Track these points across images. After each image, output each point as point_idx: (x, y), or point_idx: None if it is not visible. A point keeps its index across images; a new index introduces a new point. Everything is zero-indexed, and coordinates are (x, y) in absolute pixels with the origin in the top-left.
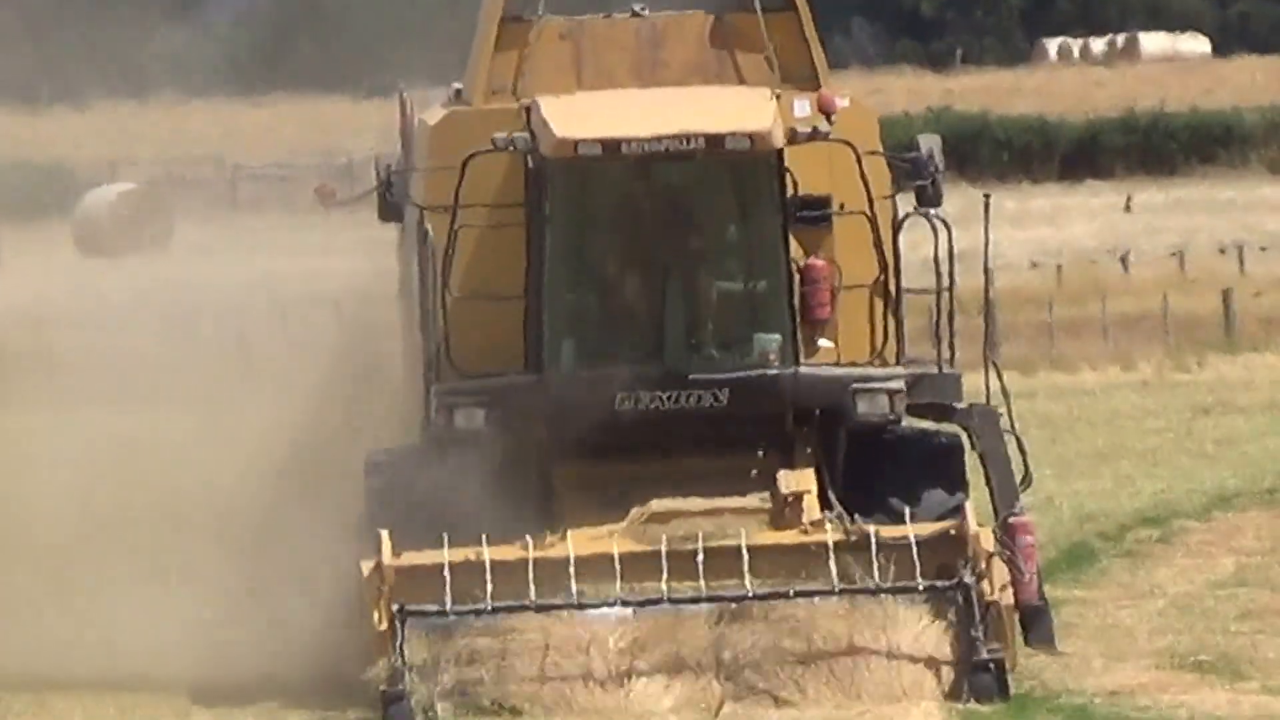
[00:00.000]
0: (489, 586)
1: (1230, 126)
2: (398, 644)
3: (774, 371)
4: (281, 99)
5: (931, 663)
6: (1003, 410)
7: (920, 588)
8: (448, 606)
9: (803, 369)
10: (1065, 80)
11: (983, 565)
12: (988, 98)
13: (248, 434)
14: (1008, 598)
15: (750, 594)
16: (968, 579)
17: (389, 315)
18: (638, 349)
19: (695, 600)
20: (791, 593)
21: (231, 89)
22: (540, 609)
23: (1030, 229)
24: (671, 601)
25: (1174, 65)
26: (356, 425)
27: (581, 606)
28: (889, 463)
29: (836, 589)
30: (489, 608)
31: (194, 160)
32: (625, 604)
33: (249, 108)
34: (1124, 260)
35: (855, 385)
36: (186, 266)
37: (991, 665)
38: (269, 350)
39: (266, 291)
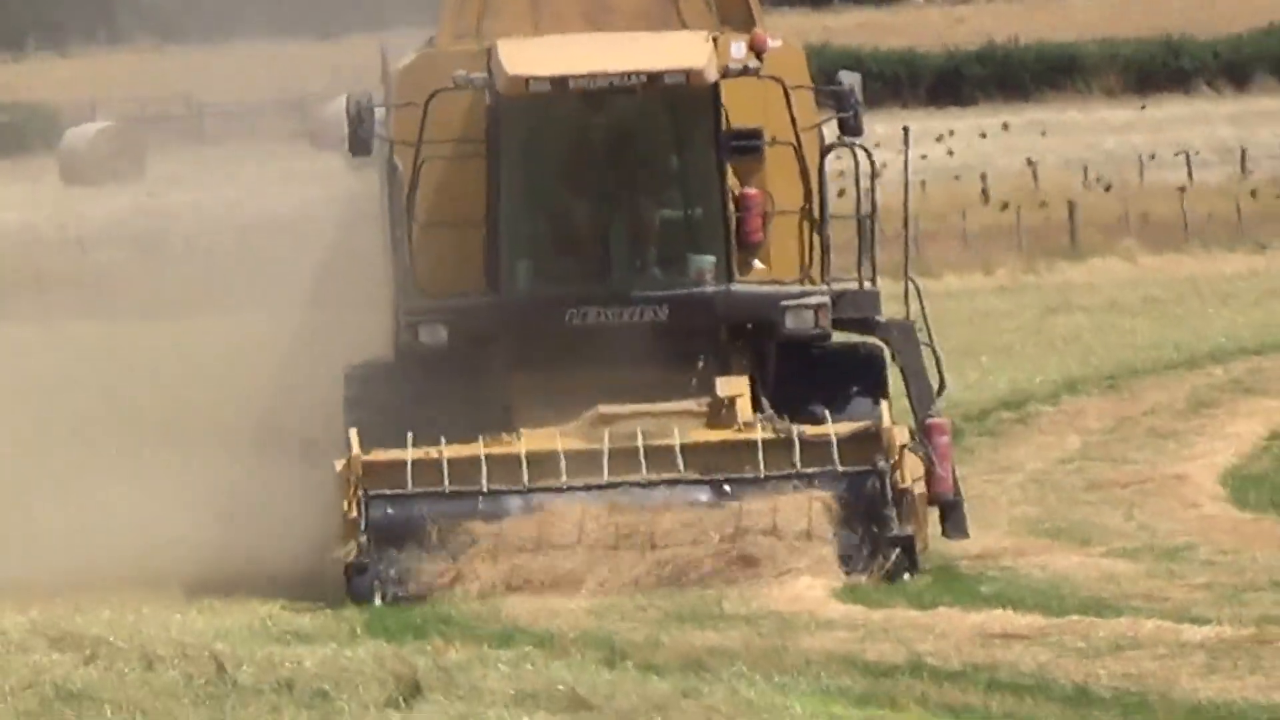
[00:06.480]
0: (446, 478)
1: (1075, 57)
2: (362, 523)
3: (710, 289)
4: (245, 43)
5: (839, 543)
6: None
7: (839, 471)
8: (408, 489)
9: (735, 287)
10: (930, 18)
11: (896, 457)
12: (862, 34)
13: (220, 342)
14: (920, 487)
15: (682, 478)
16: (882, 465)
17: (341, 236)
18: (586, 269)
19: (633, 485)
20: (721, 478)
21: (199, 34)
22: (492, 494)
23: (898, 151)
24: (611, 488)
25: (1026, 3)
26: (318, 332)
27: (530, 491)
28: (816, 372)
29: (762, 475)
30: (445, 491)
31: (165, 99)
32: (572, 490)
33: (215, 51)
34: (983, 177)
35: (784, 302)
36: (159, 194)
37: (902, 543)
38: (235, 267)
39: (232, 215)
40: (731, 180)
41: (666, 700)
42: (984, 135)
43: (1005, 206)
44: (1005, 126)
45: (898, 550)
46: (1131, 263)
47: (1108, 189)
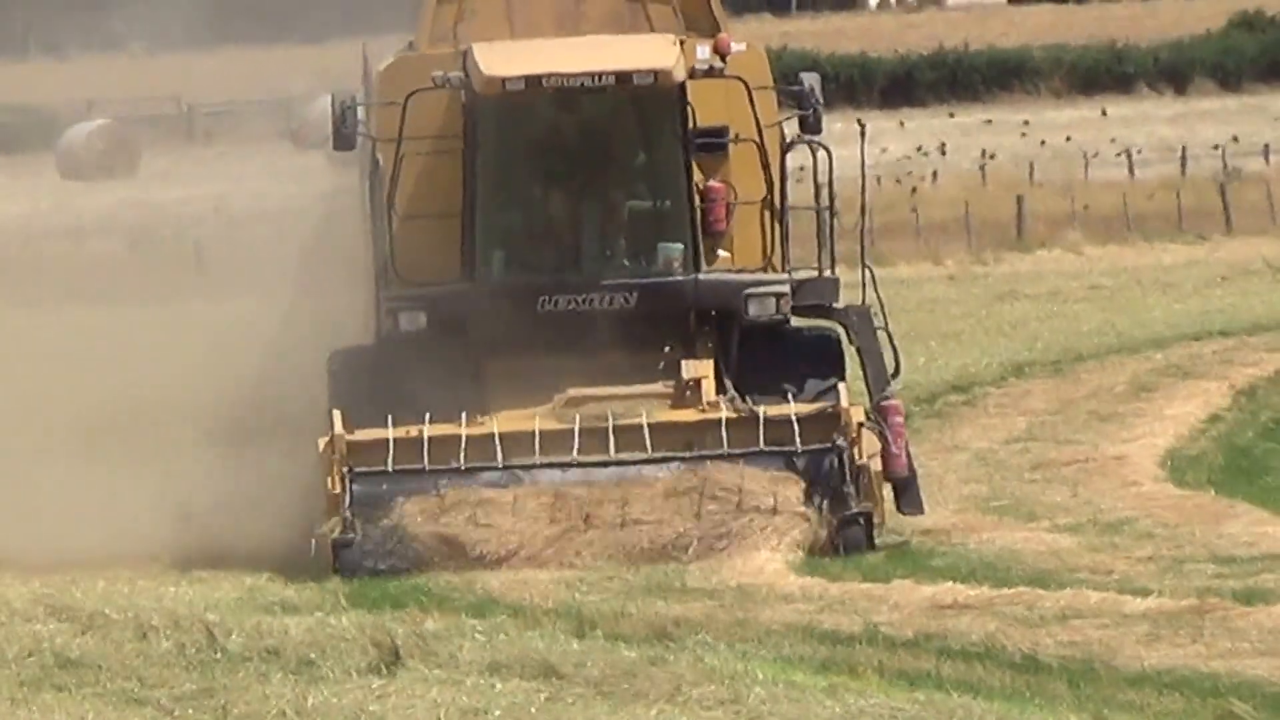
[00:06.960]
0: (425, 457)
1: (1023, 62)
2: (346, 499)
3: (677, 277)
4: (230, 49)
5: (801, 519)
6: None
7: (799, 450)
8: (389, 467)
9: (702, 275)
10: (884, 24)
11: (854, 435)
12: (819, 39)
13: (208, 327)
14: (877, 465)
15: (650, 455)
16: (841, 443)
17: (324, 228)
18: (558, 259)
19: (605, 464)
20: (688, 452)
21: (188, 41)
22: (469, 471)
23: (853, 148)
24: (583, 466)
25: (974, 12)
26: (303, 319)
27: (507, 468)
28: (777, 355)
29: (726, 452)
30: (425, 468)
31: (157, 100)
32: (546, 467)
33: (203, 56)
34: (934, 174)
35: (747, 289)
36: (151, 189)
37: (860, 519)
38: (221, 257)
39: (219, 208)
40: (697, 174)
41: (634, 668)
42: (934, 134)
43: (955, 200)
44: (951, 115)
45: (855, 525)
46: (1076, 254)
47: (1053, 185)
